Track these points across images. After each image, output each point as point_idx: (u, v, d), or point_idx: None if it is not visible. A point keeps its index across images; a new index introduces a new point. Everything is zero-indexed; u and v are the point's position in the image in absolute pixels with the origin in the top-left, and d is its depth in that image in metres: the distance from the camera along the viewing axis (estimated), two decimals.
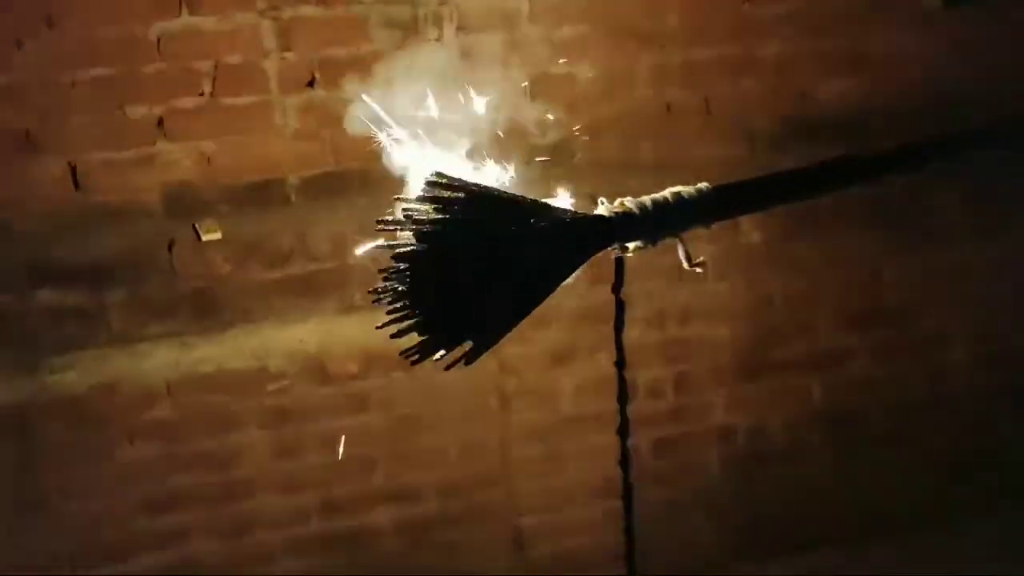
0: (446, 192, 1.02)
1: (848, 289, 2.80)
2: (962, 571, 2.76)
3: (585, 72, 2.50)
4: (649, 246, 1.13)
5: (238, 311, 2.35)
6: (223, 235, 2.31)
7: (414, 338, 1.05)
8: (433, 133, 1.39)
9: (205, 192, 2.40)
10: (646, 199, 1.10)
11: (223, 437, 2.45)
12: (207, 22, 2.29)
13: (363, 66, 2.39)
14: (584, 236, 1.06)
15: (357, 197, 2.47)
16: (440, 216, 1.03)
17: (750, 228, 2.65)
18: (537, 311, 1.06)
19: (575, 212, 1.08)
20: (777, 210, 2.45)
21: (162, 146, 2.35)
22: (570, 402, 2.51)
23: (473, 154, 1.28)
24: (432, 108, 1.45)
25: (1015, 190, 2.81)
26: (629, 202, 1.10)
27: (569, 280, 1.10)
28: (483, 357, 1.02)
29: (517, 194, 1.11)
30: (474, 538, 2.68)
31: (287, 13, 2.33)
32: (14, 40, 2.20)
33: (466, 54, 2.40)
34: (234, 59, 2.33)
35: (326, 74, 2.40)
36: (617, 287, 2.48)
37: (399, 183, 2.38)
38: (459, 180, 1.04)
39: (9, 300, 2.20)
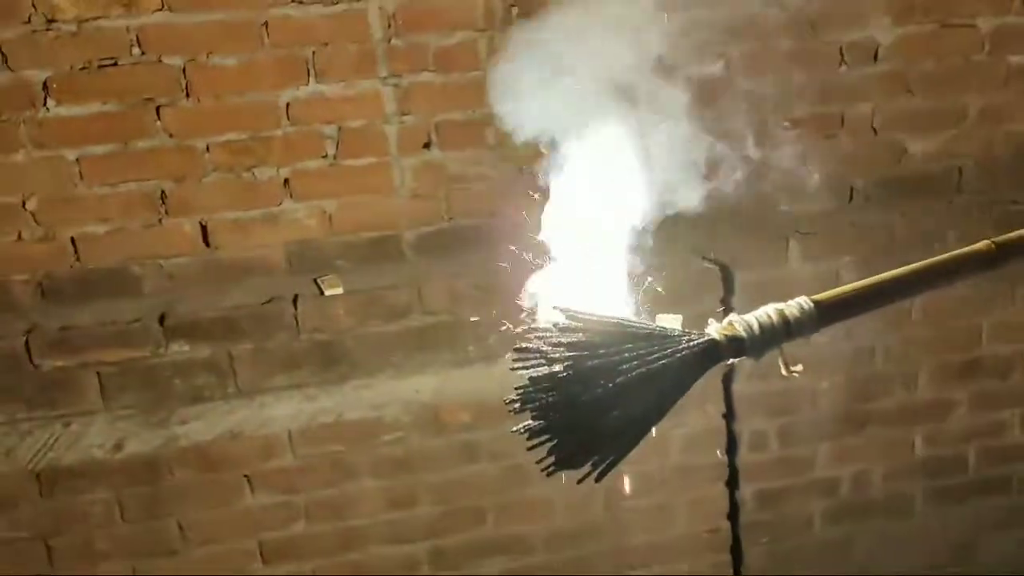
0: (575, 328, 1.11)
1: (946, 341, 2.82)
2: None
3: None
4: (751, 359, 1.18)
5: (357, 363, 2.43)
6: (344, 290, 2.40)
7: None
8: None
9: (326, 248, 2.50)
10: (753, 320, 1.15)
11: (339, 486, 2.51)
12: (332, 89, 2.41)
13: (476, 128, 2.52)
14: (697, 361, 1.11)
15: (470, 254, 2.55)
16: (569, 351, 1.10)
17: (847, 278, 2.68)
18: None
19: (688, 337, 1.13)
20: (875, 262, 2.51)
21: (287, 205, 2.46)
22: (679, 453, 2.54)
23: None
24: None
25: None
26: (737, 324, 1.15)
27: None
28: None
29: (635, 322, 1.17)
30: None
31: (407, 80, 2.44)
32: (155, 107, 2.33)
33: None
34: (356, 123, 2.44)
35: (442, 136, 2.50)
36: None
37: (510, 241, 2.47)
38: (585, 315, 1.12)
39: (143, 353, 2.30)
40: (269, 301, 2.38)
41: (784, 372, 1.20)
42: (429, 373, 2.49)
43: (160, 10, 2.26)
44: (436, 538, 2.61)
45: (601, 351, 1.10)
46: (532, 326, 1.18)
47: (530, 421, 1.11)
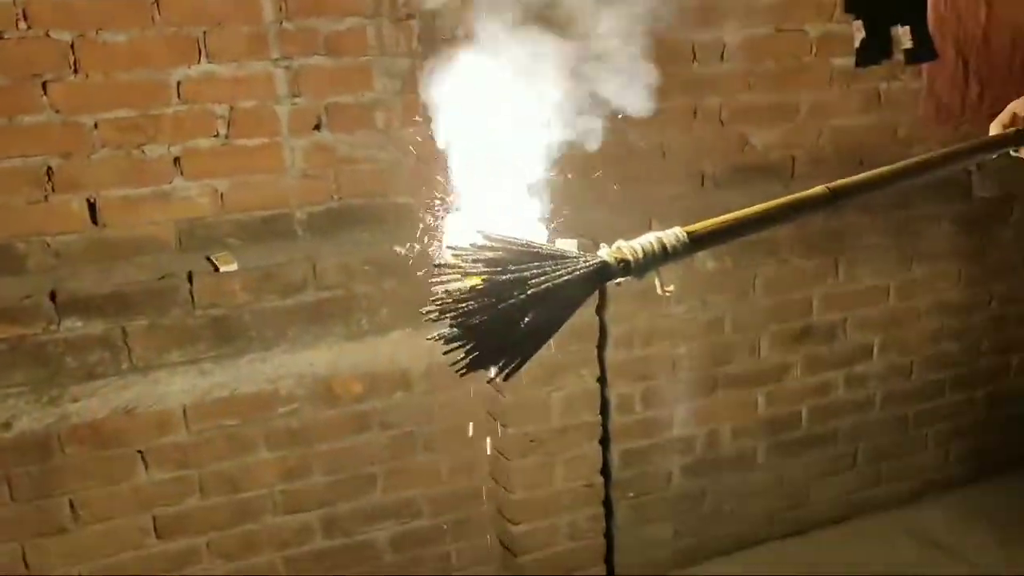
0: (491, 247, 1.28)
1: (784, 310, 3.16)
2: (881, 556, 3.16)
3: None
4: (634, 278, 1.37)
5: (253, 338, 2.49)
6: (238, 266, 2.46)
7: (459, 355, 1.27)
8: None
9: (217, 226, 2.55)
10: (638, 246, 1.34)
11: (234, 459, 2.56)
12: (224, 69, 2.45)
13: (365, 111, 2.62)
14: (591, 277, 1.31)
15: (358, 232, 2.66)
16: (486, 266, 1.27)
17: (705, 257, 2.97)
18: None
19: (584, 258, 1.32)
20: (732, 248, 2.81)
21: (178, 183, 2.48)
22: (558, 416, 2.75)
23: None
24: None
25: (925, 222, 3.26)
26: (624, 248, 1.34)
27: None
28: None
29: (542, 244, 1.35)
30: (468, 547, 2.87)
31: (298, 62, 2.52)
32: (41, 83, 2.31)
33: None
34: (248, 104, 2.50)
35: (332, 118, 2.59)
36: (601, 309, 2.75)
37: (399, 218, 2.60)
38: (499, 237, 1.29)
39: (34, 331, 2.28)
40: (163, 277, 2.40)
41: (659, 291, 1.40)
42: (323, 347, 2.58)
43: None
44: (329, 506, 2.71)
45: (512, 267, 1.27)
46: (451, 246, 1.31)
47: (446, 329, 1.26)
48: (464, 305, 1.26)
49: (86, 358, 2.34)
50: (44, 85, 2.31)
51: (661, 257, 1.34)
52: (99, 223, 2.44)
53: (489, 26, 1.66)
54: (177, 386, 2.46)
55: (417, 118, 2.60)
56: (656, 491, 3.11)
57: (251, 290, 2.46)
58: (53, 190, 2.38)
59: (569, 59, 1.70)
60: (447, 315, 1.27)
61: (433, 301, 1.28)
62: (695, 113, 3.04)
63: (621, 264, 1.32)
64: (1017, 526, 3.31)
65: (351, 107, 2.60)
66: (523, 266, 1.27)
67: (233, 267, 2.45)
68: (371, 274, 2.57)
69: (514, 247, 1.29)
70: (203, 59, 2.43)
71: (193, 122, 2.45)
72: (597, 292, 2.48)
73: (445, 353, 1.30)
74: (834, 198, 1.51)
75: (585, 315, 2.74)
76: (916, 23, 3.25)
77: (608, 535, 2.94)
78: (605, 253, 1.34)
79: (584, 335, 2.72)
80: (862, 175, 1.56)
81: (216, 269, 2.44)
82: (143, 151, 2.43)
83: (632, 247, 1.34)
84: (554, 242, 1.44)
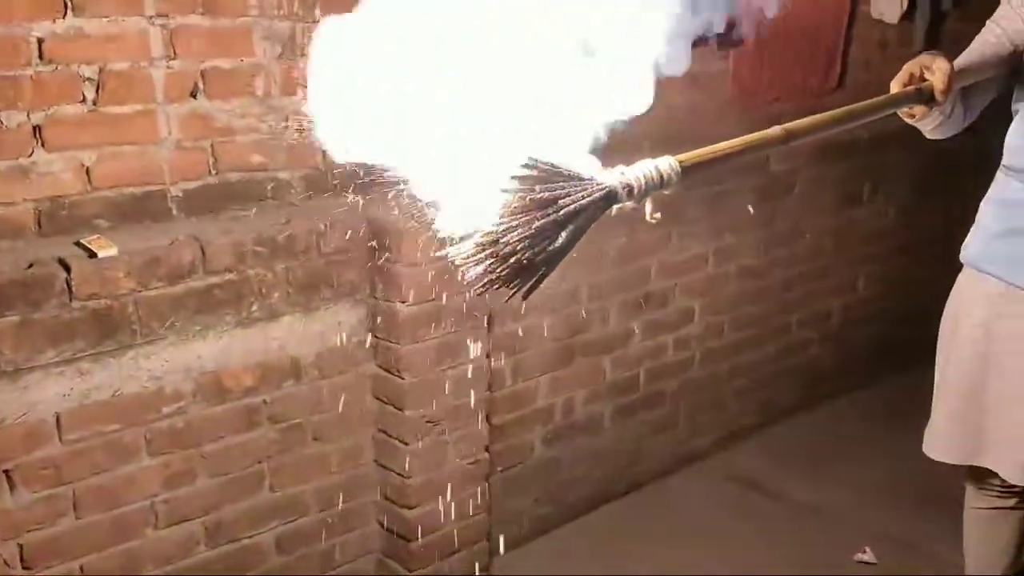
0: (528, 167, 1.33)
1: (629, 279, 3.34)
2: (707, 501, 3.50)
3: None
4: (634, 203, 1.44)
5: (137, 331, 2.21)
6: (118, 251, 2.17)
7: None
8: None
9: (83, 206, 2.22)
10: (640, 173, 1.41)
11: (113, 470, 2.27)
12: (93, 25, 2.14)
13: (245, 77, 2.41)
14: (601, 201, 1.38)
15: (239, 208, 2.45)
16: (524, 184, 1.33)
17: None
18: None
19: (598, 182, 1.38)
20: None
21: (39, 156, 2.14)
22: (452, 396, 2.71)
23: None
24: None
25: (733, 195, 3.59)
26: (628, 174, 1.41)
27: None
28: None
29: (565, 165, 1.37)
30: (353, 539, 2.76)
31: (175, 21, 2.26)
32: None
33: None
34: (120, 65, 2.20)
35: (209, 84, 2.35)
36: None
37: (280, 193, 2.44)
38: (535, 158, 1.34)
39: None
40: (31, 266, 2.06)
41: (648, 218, 1.48)
42: (212, 337, 2.35)
43: None
44: (214, 511, 2.48)
45: (544, 187, 1.32)
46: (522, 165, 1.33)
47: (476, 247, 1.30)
48: (504, 222, 1.30)
49: None
50: None
51: (657, 184, 1.42)
52: None
53: None
54: (51, 391, 2.13)
55: (299, 86, 2.44)
56: (521, 462, 3.18)
57: (135, 277, 2.18)
58: None
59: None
60: (488, 233, 1.30)
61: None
62: None
63: (626, 189, 1.39)
64: (818, 459, 3.76)
65: (230, 72, 2.38)
66: (554, 185, 1.33)
67: (113, 251, 2.16)
68: (261, 256, 2.38)
69: (545, 167, 1.34)
70: (69, 13, 2.10)
71: (57, 86, 2.12)
72: None
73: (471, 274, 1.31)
74: (787, 137, 1.68)
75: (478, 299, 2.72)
76: (726, 11, 3.55)
77: (489, 510, 2.95)
78: (612, 179, 1.39)
79: (477, 310, 2.70)
80: (806, 120, 1.73)
81: (92, 255, 2.14)
82: None
83: (636, 174, 1.40)
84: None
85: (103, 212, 2.26)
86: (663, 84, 3.32)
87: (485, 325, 2.75)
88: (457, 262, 1.34)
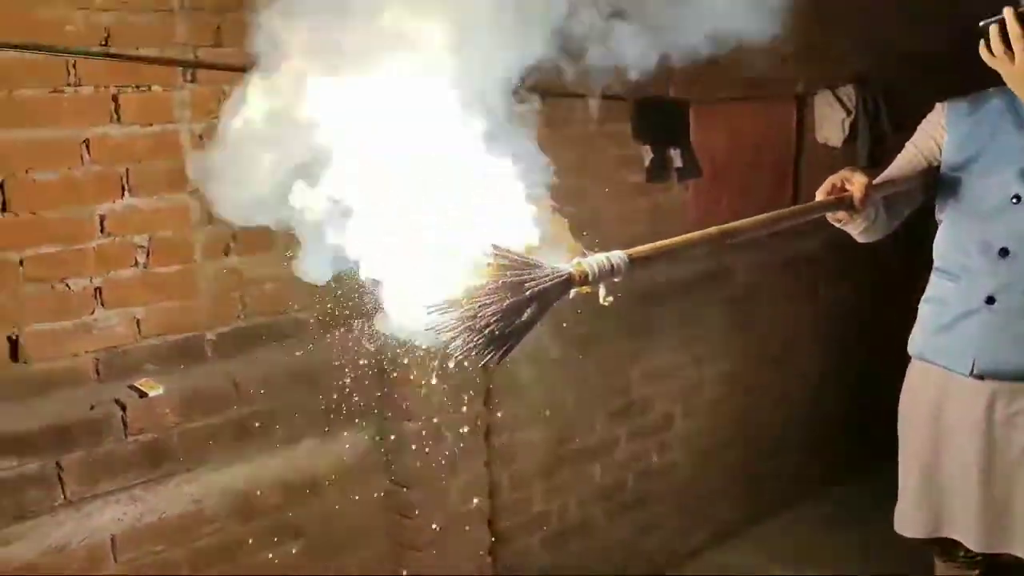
0: (500, 255, 1.60)
1: (611, 388, 3.70)
2: None
3: None
4: (590, 289, 1.70)
5: (181, 460, 2.55)
6: (164, 390, 2.53)
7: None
8: None
9: (134, 353, 2.59)
10: (594, 263, 1.66)
11: None
12: (144, 201, 2.56)
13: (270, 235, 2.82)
14: (561, 286, 1.65)
15: (265, 347, 2.82)
16: (499, 271, 1.61)
17: (550, 344, 3.43)
18: None
19: (558, 271, 1.64)
20: (568, 331, 3.32)
21: (99, 314, 2.52)
22: (457, 502, 3.03)
23: None
24: None
25: (706, 312, 3.98)
26: (584, 264, 1.67)
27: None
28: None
29: (528, 256, 1.66)
30: None
31: None
32: None
33: None
34: (166, 233, 2.61)
35: (239, 243, 2.76)
36: (487, 401, 3.11)
37: (298, 331, 2.81)
38: (505, 249, 1.61)
39: None
40: (93, 407, 2.42)
41: (602, 301, 1.73)
42: (243, 461, 2.69)
43: None
44: None
45: (513, 273, 1.58)
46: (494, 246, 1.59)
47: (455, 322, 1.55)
48: (480, 300, 1.56)
49: (19, 498, 2.29)
50: None
51: (609, 273, 1.70)
52: (20, 359, 2.41)
53: None
54: (108, 516, 2.45)
55: None
56: (521, 568, 3.46)
57: (179, 412, 2.54)
58: None
59: None
60: (466, 309, 1.56)
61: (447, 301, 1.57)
62: None
63: (581, 276, 1.67)
64: (808, 553, 4.03)
65: (256, 232, 2.78)
66: (521, 271, 1.60)
67: (160, 391, 2.52)
68: (285, 387, 2.74)
69: (515, 257, 1.62)
70: (126, 194, 2.52)
71: (115, 254, 2.52)
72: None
73: (453, 346, 1.56)
74: (722, 236, 1.98)
75: (476, 406, 3.08)
76: (684, 147, 4.01)
77: None
78: (569, 267, 1.66)
79: (476, 424, 3.05)
80: (739, 222, 2.02)
81: (143, 395, 2.50)
82: (67, 285, 2.45)
83: (590, 264, 1.68)
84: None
85: (151, 357, 2.63)
86: (626, 214, 3.74)
87: (483, 438, 3.09)
88: (441, 336, 1.56)
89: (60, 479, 2.35)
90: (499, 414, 3.22)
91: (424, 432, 2.91)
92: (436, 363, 2.93)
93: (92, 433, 2.40)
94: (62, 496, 2.36)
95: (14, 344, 2.40)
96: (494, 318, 1.56)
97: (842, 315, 4.62)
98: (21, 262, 2.38)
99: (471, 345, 1.57)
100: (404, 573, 3.03)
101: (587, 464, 3.65)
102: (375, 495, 2.98)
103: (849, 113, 4.59)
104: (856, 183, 2.28)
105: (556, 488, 3.55)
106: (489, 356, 1.59)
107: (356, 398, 2.89)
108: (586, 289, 1.68)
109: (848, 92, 4.58)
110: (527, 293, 1.58)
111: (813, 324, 4.49)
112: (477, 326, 1.56)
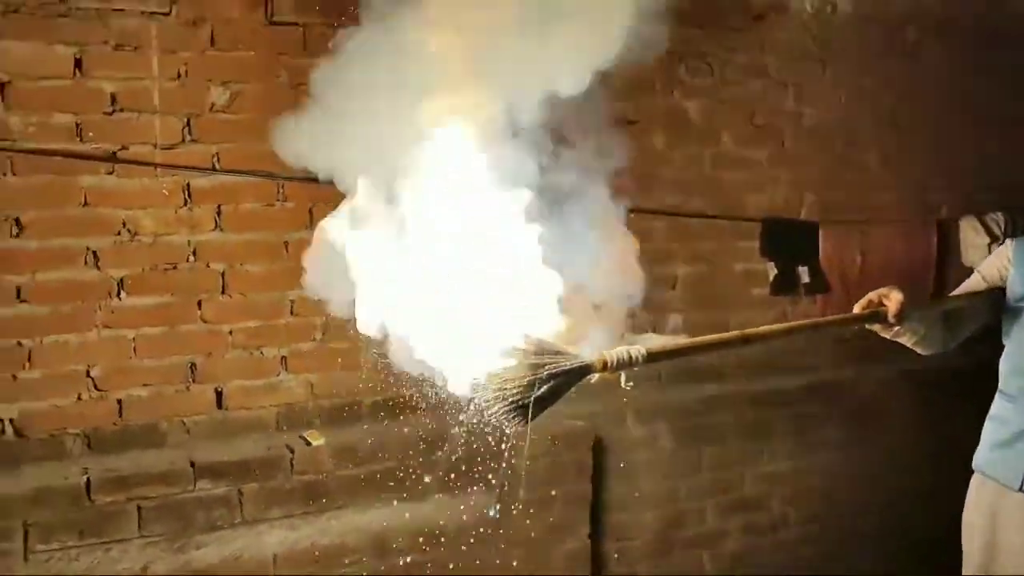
0: (528, 343, 2.00)
1: (723, 483, 4.03)
2: None
3: None
4: (608, 376, 2.04)
5: (332, 499, 3.18)
6: (325, 441, 3.18)
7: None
8: None
9: (307, 410, 3.28)
10: (613, 355, 1.99)
11: None
12: None
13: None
14: (580, 371, 2.01)
15: (408, 415, 3.43)
16: (524, 356, 2.00)
17: (665, 436, 3.83)
18: None
19: (579, 358, 2.00)
20: (684, 434, 3.72)
21: (283, 377, 3.23)
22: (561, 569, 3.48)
23: None
24: None
25: (816, 420, 4.21)
26: (605, 354, 2.00)
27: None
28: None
29: (553, 343, 2.05)
30: None
31: None
32: (197, 300, 3.07)
33: None
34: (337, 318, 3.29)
35: None
36: (595, 478, 3.56)
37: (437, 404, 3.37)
38: (531, 338, 2.00)
39: (176, 491, 2.93)
40: (270, 449, 3.11)
41: (623, 385, 2.05)
42: (380, 507, 3.28)
43: (214, 230, 3.05)
44: None
45: (537, 356, 1.96)
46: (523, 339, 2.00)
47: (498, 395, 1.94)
48: (516, 378, 1.96)
49: (211, 513, 2.99)
50: (199, 303, 3.07)
51: (627, 363, 2.02)
52: (223, 407, 3.14)
53: None
54: (274, 538, 3.11)
55: None
56: None
57: (335, 460, 3.18)
58: (194, 381, 3.09)
59: None
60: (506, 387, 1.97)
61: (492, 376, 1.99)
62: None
63: (601, 364, 2.00)
64: None
65: None
66: (544, 356, 1.98)
67: (321, 442, 3.18)
68: (421, 448, 3.32)
69: (538, 344, 2.00)
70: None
71: (299, 330, 3.23)
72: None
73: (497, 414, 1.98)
74: (745, 340, 2.29)
75: (583, 484, 3.54)
76: (813, 264, 4.33)
77: None
78: (590, 356, 2.01)
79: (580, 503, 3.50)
80: (761, 328, 2.33)
81: (308, 443, 3.16)
82: (261, 352, 3.18)
83: (610, 354, 2.01)
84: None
85: (318, 414, 3.31)
86: (755, 323, 4.08)
87: (588, 511, 3.54)
88: (482, 405, 1.96)
89: (240, 503, 3.04)
90: (608, 493, 3.65)
91: (531, 500, 3.40)
92: (549, 438, 3.44)
93: (267, 468, 3.08)
94: (240, 516, 3.04)
95: (219, 395, 3.14)
96: (520, 392, 1.93)
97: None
98: (231, 332, 3.13)
99: (503, 412, 1.95)
100: None
101: (696, 551, 3.97)
102: (492, 551, 3.47)
103: (996, 239, 4.71)
104: (892, 299, 2.55)
105: (663, 570, 3.90)
106: (517, 422, 1.95)
107: (479, 462, 3.43)
108: (607, 375, 2.01)
109: (996, 218, 4.72)
110: (546, 374, 1.95)
111: (928, 440, 4.57)
112: (508, 397, 1.94)
